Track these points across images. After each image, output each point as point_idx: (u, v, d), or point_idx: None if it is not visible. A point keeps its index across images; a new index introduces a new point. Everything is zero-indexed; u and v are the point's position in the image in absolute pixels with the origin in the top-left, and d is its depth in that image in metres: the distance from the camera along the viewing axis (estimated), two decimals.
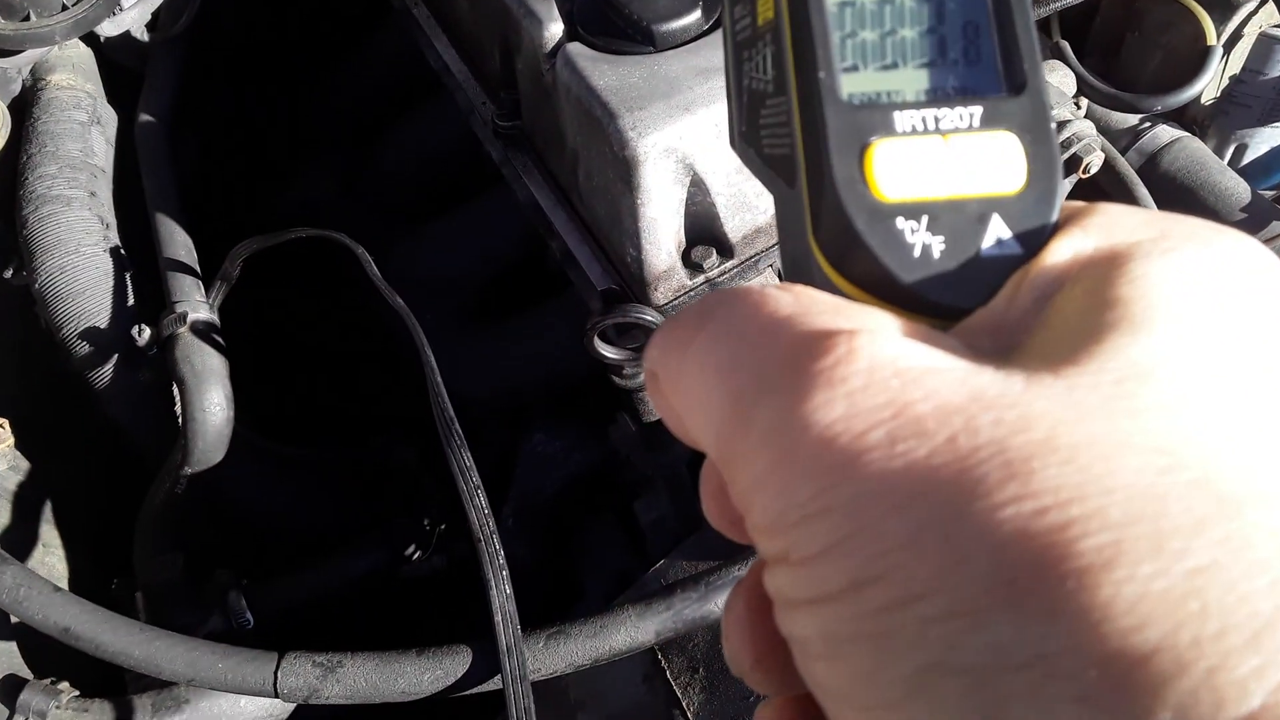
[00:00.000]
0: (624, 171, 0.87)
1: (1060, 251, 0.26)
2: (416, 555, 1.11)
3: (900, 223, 0.27)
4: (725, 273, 0.94)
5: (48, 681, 0.80)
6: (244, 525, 1.11)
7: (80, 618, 0.69)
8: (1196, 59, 1.06)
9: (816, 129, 0.28)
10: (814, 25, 0.29)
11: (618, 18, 0.92)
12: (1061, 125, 0.95)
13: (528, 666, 0.68)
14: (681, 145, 0.87)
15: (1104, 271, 0.25)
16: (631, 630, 0.70)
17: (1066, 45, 1.06)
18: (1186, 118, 1.13)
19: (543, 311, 1.22)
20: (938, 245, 0.27)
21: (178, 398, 0.99)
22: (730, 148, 0.37)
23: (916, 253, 0.27)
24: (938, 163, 0.28)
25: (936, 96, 0.30)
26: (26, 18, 1.04)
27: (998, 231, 0.28)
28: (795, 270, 0.31)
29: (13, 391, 1.10)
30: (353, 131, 1.41)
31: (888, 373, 0.22)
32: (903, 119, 0.29)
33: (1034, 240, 0.27)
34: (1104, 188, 1.03)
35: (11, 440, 0.96)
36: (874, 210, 0.27)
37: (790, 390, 0.23)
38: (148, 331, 1.01)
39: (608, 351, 0.86)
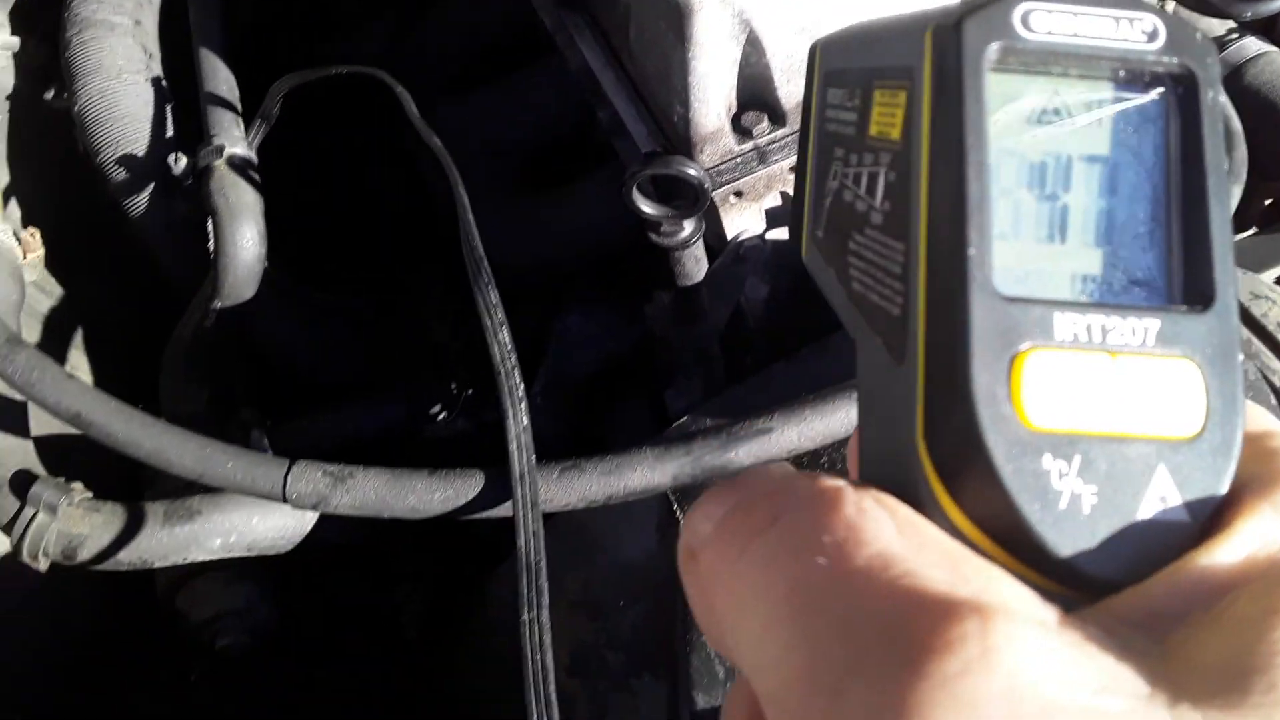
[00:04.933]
0: (676, 21, 0.84)
1: (1241, 542, 0.21)
2: (441, 415, 1.10)
3: (1048, 461, 0.22)
4: (775, 141, 0.91)
5: (60, 480, 0.80)
6: (271, 366, 1.11)
7: (92, 405, 0.69)
8: None
9: (955, 317, 0.22)
10: (970, 185, 0.23)
11: None
12: None
13: (540, 495, 0.67)
14: None
15: None
16: (648, 471, 0.68)
17: None
18: (1277, 31, 1.07)
19: (584, 184, 1.19)
20: (1089, 497, 0.22)
21: (211, 232, 0.98)
22: (791, 243, 0.31)
23: (1063, 503, 0.22)
24: (1101, 388, 0.23)
25: (1105, 295, 0.24)
26: None
27: (1162, 489, 0.22)
28: (882, 465, 0.25)
29: (48, 215, 1.09)
30: None
31: (1032, 708, 0.18)
32: (1064, 324, 0.23)
33: (1205, 508, 0.22)
34: None
35: (42, 251, 0.96)
36: (1018, 441, 0.22)
37: (902, 701, 0.18)
38: (184, 160, 1.00)
39: (645, 206, 0.83)
